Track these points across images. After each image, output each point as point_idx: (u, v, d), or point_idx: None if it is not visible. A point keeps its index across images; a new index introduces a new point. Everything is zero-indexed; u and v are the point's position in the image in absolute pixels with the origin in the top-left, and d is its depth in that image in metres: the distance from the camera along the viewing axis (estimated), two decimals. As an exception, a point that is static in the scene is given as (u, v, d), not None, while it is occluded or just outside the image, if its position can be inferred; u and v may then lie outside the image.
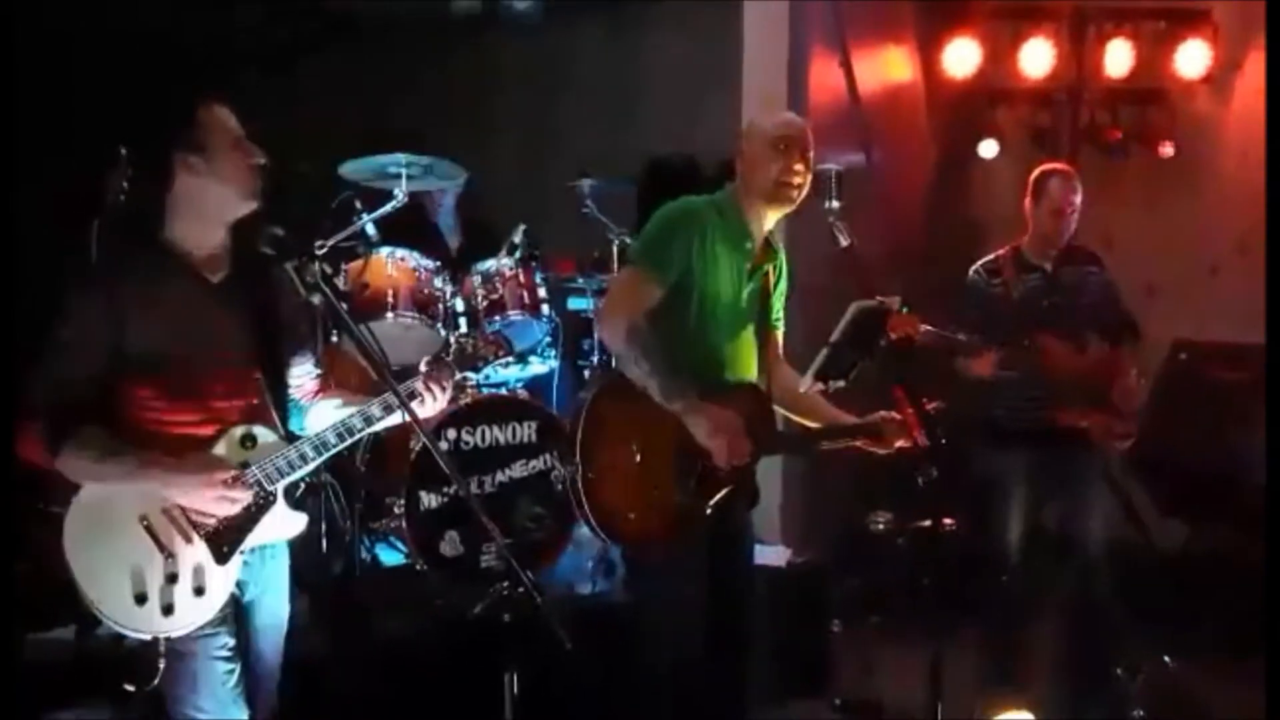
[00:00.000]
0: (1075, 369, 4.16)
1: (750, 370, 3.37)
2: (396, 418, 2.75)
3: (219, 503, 2.57)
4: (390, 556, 4.63)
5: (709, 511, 3.21)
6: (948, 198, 6.32)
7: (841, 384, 3.31)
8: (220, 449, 2.61)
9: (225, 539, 2.61)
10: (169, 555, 2.54)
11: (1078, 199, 4.24)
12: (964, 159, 6.27)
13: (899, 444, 3.28)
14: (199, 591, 2.57)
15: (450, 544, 4.38)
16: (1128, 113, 6.08)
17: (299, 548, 2.89)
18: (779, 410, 3.48)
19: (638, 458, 3.16)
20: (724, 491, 3.21)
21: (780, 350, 3.51)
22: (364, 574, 4.38)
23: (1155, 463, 5.49)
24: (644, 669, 3.32)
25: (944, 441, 3.14)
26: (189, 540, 2.57)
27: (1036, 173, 4.35)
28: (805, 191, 3.28)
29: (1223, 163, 6.04)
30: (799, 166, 3.22)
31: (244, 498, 2.60)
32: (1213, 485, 5.44)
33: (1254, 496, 4.39)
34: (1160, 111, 6.01)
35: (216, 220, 2.66)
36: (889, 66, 6.09)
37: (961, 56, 5.99)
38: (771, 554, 4.50)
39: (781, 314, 3.51)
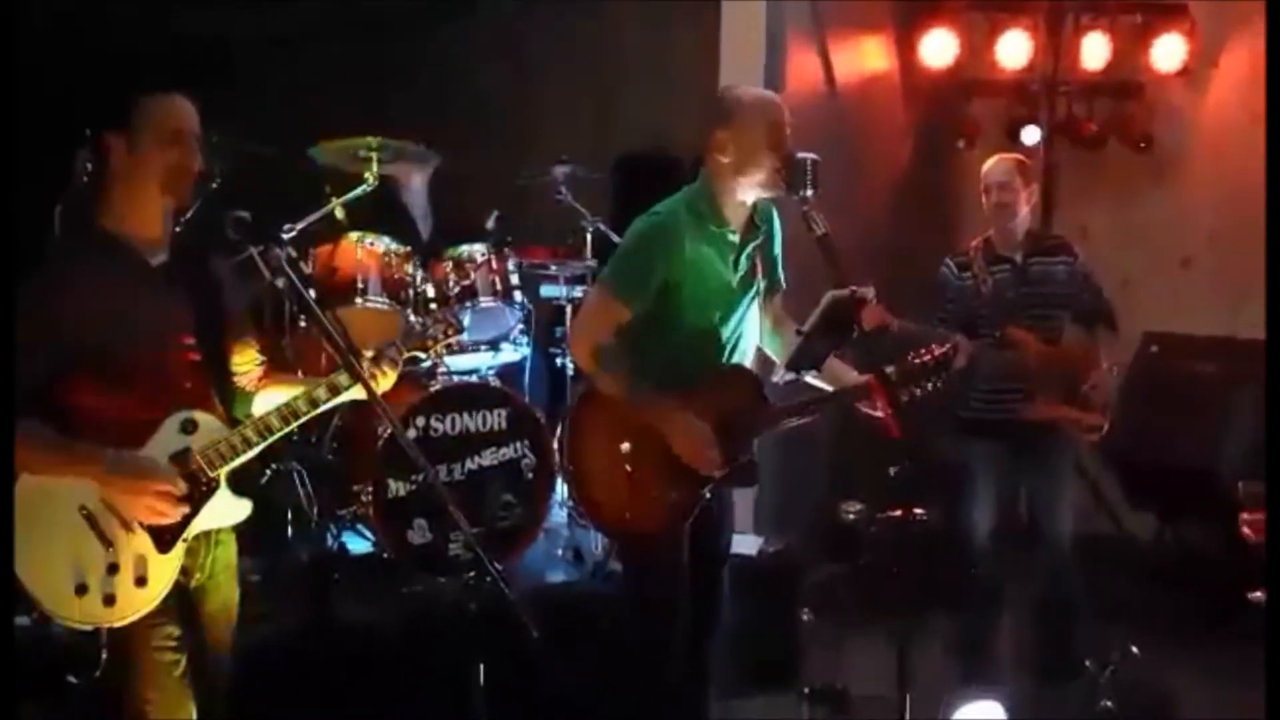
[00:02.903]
0: (1045, 360, 4.15)
1: (752, 342, 3.35)
2: (342, 399, 2.70)
3: (150, 513, 2.52)
4: (357, 544, 4.60)
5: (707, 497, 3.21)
6: (924, 188, 6.31)
7: (815, 373, 3.29)
8: (160, 434, 2.56)
9: (167, 527, 2.56)
10: (109, 545, 2.50)
11: (1017, 183, 4.19)
12: (940, 149, 6.27)
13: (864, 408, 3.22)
14: (140, 581, 2.53)
15: (418, 532, 4.35)
16: (1104, 106, 6.09)
17: (263, 535, 2.84)
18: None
19: (628, 457, 3.17)
20: (720, 478, 3.19)
21: (779, 310, 3.43)
22: (330, 561, 4.35)
23: (1127, 454, 5.51)
24: (623, 652, 3.32)
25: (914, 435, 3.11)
26: (130, 529, 2.52)
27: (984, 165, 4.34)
28: None
29: (1197, 156, 6.06)
30: (789, 148, 3.11)
31: (177, 513, 2.55)
32: (1183, 477, 5.46)
33: (1224, 489, 4.39)
34: (1136, 105, 6.02)
35: (149, 206, 2.59)
36: (866, 57, 6.07)
37: (939, 47, 5.97)
38: (743, 542, 4.48)
39: (780, 273, 3.43)
